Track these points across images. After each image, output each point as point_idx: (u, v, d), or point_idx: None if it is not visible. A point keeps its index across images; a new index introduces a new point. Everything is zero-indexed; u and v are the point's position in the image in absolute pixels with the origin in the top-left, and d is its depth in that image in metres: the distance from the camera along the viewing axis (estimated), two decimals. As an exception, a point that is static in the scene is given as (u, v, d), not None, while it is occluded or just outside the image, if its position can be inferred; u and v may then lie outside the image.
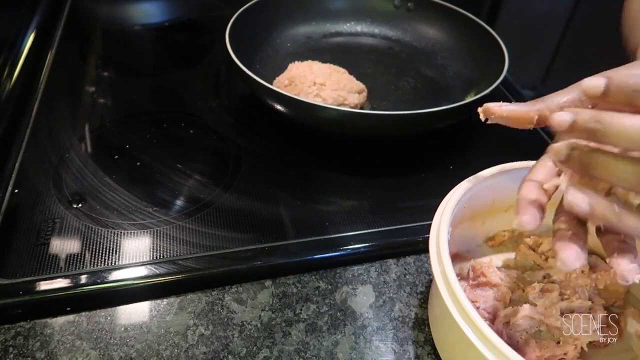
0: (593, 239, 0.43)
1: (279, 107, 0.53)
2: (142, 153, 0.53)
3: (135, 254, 0.43)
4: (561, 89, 0.32)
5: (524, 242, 0.43)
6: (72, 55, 0.69)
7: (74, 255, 0.42)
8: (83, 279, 0.40)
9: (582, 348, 0.35)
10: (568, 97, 0.31)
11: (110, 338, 0.38)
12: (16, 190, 0.47)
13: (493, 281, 0.38)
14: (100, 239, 0.44)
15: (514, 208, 0.31)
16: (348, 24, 0.75)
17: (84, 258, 0.42)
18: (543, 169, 0.33)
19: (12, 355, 0.36)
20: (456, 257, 0.43)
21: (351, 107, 0.56)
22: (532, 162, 0.41)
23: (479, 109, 0.33)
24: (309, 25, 0.73)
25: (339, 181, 0.52)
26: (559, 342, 0.35)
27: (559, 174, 0.32)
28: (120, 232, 0.44)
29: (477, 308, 0.37)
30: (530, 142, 0.61)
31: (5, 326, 0.38)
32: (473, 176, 0.39)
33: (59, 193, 0.48)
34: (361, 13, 0.75)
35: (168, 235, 0.45)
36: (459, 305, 0.30)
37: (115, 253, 0.43)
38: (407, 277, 0.44)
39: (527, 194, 0.31)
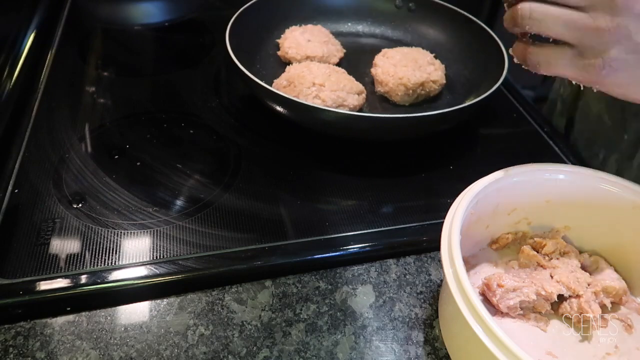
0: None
1: (278, 108, 0.53)
2: (142, 153, 0.53)
3: (135, 254, 0.43)
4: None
5: (527, 244, 0.43)
6: (72, 55, 0.69)
7: (74, 255, 0.42)
8: (83, 279, 0.40)
9: None
10: None
11: (110, 338, 0.38)
12: (16, 190, 0.47)
13: (512, 286, 0.37)
14: (100, 239, 0.44)
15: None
16: (349, 24, 0.75)
17: (84, 258, 0.42)
18: None
19: (12, 355, 0.36)
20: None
21: (350, 109, 0.56)
22: (533, 165, 0.40)
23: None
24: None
25: (339, 181, 0.52)
26: None
27: None
28: (120, 232, 0.44)
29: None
30: (530, 143, 0.61)
31: (5, 326, 0.38)
32: (480, 180, 0.38)
33: (59, 193, 0.48)
34: (362, 13, 0.75)
35: (168, 235, 0.45)
36: (470, 306, 0.30)
37: (115, 253, 0.43)
38: (407, 277, 0.44)
39: None
